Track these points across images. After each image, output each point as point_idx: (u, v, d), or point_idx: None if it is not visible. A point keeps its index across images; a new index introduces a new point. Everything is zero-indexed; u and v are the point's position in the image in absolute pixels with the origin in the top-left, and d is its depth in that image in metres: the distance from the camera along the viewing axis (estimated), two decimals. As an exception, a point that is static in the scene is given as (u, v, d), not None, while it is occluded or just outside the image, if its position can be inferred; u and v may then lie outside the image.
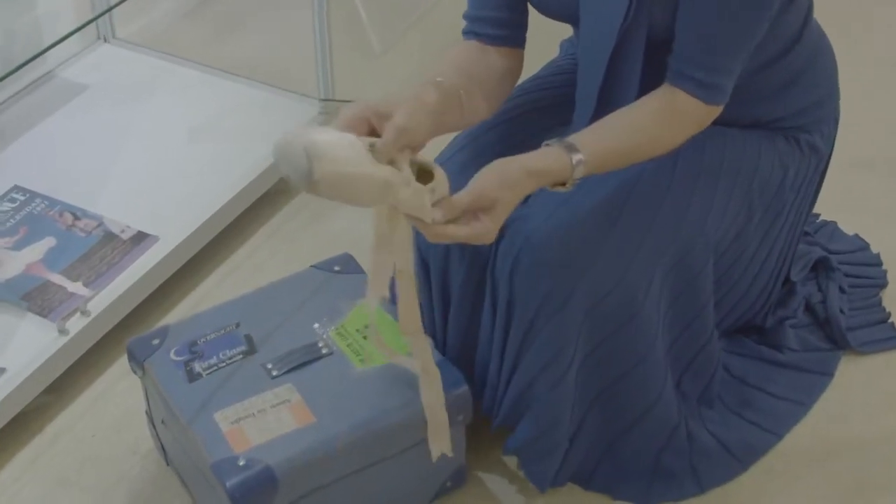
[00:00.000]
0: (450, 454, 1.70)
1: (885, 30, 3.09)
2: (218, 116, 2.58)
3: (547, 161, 1.48)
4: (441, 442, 1.68)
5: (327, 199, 1.37)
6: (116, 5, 2.43)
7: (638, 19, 1.56)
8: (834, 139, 1.85)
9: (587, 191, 1.63)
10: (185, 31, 3.03)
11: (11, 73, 2.04)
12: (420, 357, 1.60)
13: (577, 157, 1.48)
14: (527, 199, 1.67)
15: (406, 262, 1.50)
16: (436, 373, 1.62)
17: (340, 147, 1.33)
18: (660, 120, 1.56)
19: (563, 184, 1.50)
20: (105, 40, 2.81)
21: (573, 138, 1.51)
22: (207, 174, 2.39)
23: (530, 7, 1.69)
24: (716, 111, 1.57)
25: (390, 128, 1.39)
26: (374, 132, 1.43)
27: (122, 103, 2.61)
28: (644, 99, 1.57)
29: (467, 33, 1.71)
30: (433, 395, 1.64)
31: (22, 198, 2.29)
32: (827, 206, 2.23)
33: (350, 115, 1.42)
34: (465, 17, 1.72)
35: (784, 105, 1.74)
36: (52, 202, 2.28)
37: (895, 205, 2.43)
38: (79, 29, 2.27)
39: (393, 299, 1.57)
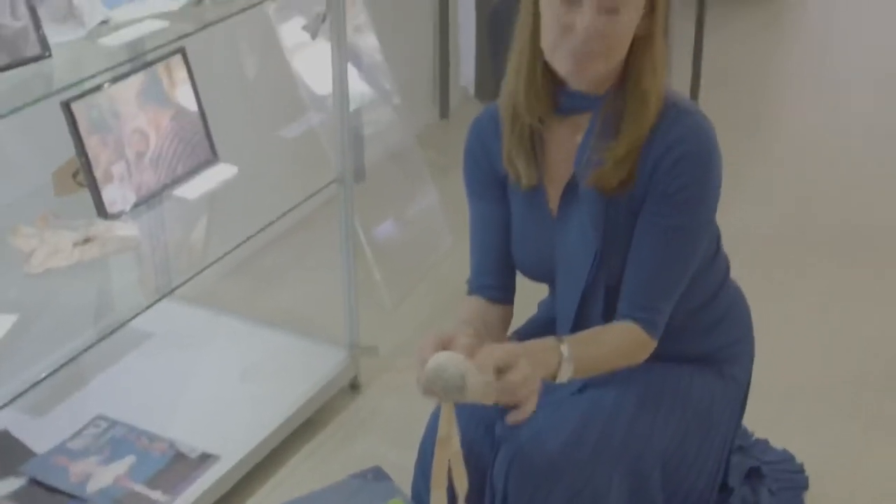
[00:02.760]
0: None
1: (813, 277, 3.69)
2: (261, 360, 3.09)
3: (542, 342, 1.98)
4: None
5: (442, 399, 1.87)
6: (177, 288, 2.96)
7: (599, 272, 2.11)
8: (751, 372, 2.36)
9: (561, 417, 2.12)
10: (230, 287, 3.57)
11: (103, 339, 2.57)
12: None
13: (564, 343, 1.98)
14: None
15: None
16: None
17: (468, 365, 1.85)
18: (619, 336, 2.07)
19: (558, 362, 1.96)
20: (164, 296, 3.35)
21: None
22: (256, 408, 2.89)
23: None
24: (653, 343, 2.08)
25: (460, 347, 1.89)
26: None
27: (181, 348, 3.13)
28: (609, 325, 2.10)
29: (472, 293, 2.26)
30: None
31: (105, 424, 2.80)
32: (760, 426, 2.75)
33: (433, 343, 1.91)
34: (469, 282, 2.26)
35: (710, 342, 2.26)
36: (131, 428, 2.78)
37: (814, 424, 2.95)
38: (149, 307, 2.80)
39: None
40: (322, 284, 3.45)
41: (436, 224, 3.89)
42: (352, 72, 3.06)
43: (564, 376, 1.98)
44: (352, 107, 3.06)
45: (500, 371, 1.88)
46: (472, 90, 5.10)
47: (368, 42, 3.62)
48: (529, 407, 1.91)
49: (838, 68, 5.61)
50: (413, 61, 4.68)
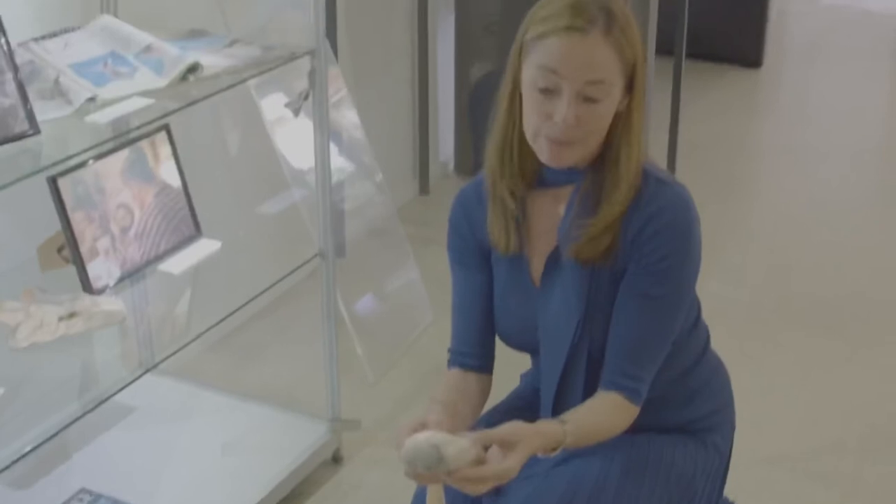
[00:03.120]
0: None
1: (789, 347, 3.75)
2: (244, 434, 3.12)
3: (550, 425, 2.01)
4: None
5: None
6: (160, 362, 3.01)
7: (582, 341, 2.13)
8: (732, 441, 2.38)
9: (548, 489, 2.13)
10: (212, 361, 3.60)
11: (87, 412, 2.60)
12: None
13: (566, 426, 2.00)
14: (501, 490, 2.20)
15: None
16: None
17: (440, 436, 1.89)
18: (608, 410, 2.10)
19: (555, 449, 1.99)
20: (148, 370, 3.37)
21: (562, 416, 2.04)
22: (238, 481, 2.91)
23: (497, 343, 2.27)
24: (636, 410, 2.10)
25: (432, 426, 1.95)
26: None
27: (164, 422, 3.15)
28: (595, 398, 2.11)
29: (452, 363, 2.28)
30: None
31: (89, 498, 2.81)
32: (741, 496, 2.75)
33: (410, 427, 1.95)
34: (450, 350, 2.28)
35: (691, 412, 2.28)
36: (115, 501, 2.79)
37: (794, 493, 2.99)
38: (133, 381, 2.84)
39: None
40: (304, 359, 3.48)
41: (417, 298, 3.92)
42: (333, 148, 3.11)
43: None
44: (333, 182, 3.10)
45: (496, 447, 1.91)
46: (451, 166, 5.16)
47: (349, 119, 3.68)
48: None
49: (813, 141, 5.70)
50: (393, 138, 4.75)
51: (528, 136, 2.07)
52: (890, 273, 4.31)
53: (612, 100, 2.03)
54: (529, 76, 2.03)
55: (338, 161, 3.48)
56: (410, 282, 3.92)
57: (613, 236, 2.09)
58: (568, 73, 1.98)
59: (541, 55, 2.01)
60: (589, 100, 1.99)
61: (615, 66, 2.00)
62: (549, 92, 2.00)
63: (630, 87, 2.06)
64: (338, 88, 3.60)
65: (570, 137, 2.01)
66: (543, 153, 2.06)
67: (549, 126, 2.01)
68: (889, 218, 4.83)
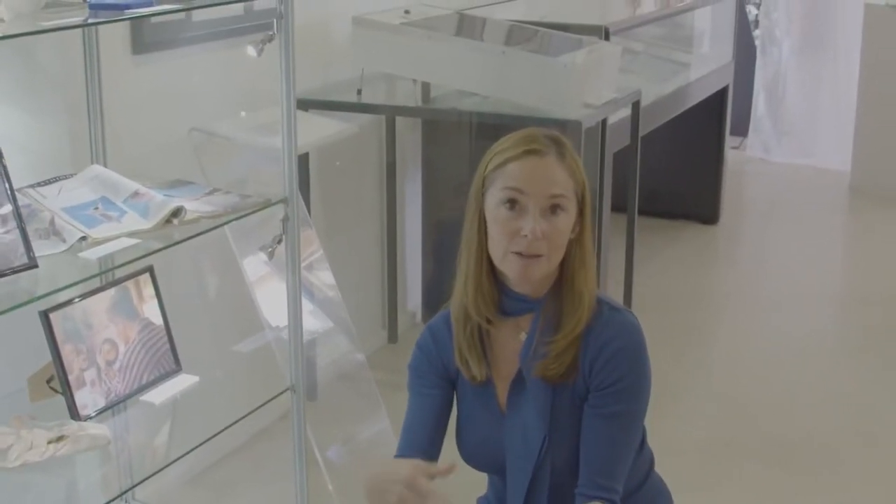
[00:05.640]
0: None
1: (744, 486, 3.92)
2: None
3: None
4: None
5: None
6: (136, 485, 3.16)
7: (547, 454, 2.29)
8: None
9: None
10: (189, 495, 3.73)
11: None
12: None
13: None
14: None
15: None
16: None
17: None
18: None
19: None
20: (124, 493, 3.50)
21: None
22: None
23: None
24: None
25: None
26: None
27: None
28: None
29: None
30: None
31: None
32: None
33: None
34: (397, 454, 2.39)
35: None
36: None
37: None
38: (110, 502, 2.99)
39: None
40: (277, 494, 3.61)
41: (385, 439, 4.07)
42: (309, 306, 3.29)
43: None
44: (307, 337, 3.29)
45: None
46: (419, 316, 5.36)
47: (324, 278, 3.90)
48: None
49: (768, 292, 5.91)
50: (363, 288, 4.97)
51: (497, 257, 2.26)
52: (836, 413, 4.51)
53: (570, 217, 2.25)
54: (495, 200, 2.24)
55: (313, 318, 3.69)
56: (379, 424, 4.08)
57: (575, 354, 2.27)
58: (532, 190, 2.21)
59: (505, 179, 2.23)
60: (551, 213, 2.22)
61: (570, 185, 2.25)
62: (515, 207, 2.22)
63: (580, 213, 2.28)
64: (313, 251, 3.83)
65: (537, 250, 2.21)
66: (513, 270, 2.25)
67: (518, 242, 2.21)
68: (838, 362, 5.04)
